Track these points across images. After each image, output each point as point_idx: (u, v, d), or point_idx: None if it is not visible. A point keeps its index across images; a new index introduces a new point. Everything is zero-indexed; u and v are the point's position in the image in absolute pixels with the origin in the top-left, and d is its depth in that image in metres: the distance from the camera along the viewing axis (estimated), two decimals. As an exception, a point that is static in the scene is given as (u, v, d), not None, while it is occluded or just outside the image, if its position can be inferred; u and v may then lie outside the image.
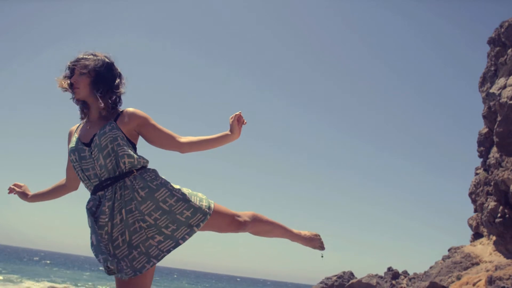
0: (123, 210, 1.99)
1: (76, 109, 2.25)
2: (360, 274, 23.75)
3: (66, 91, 2.12)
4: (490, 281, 14.20)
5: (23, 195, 2.41)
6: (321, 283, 23.55)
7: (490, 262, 17.94)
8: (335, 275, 23.55)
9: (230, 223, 2.24)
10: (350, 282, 22.03)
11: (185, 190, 2.14)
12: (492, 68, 20.77)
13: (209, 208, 2.12)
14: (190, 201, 2.08)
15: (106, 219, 1.98)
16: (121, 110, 2.13)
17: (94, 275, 36.82)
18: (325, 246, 2.71)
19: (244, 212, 2.36)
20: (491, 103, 18.56)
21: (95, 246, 1.92)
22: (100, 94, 2.07)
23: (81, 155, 2.06)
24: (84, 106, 2.16)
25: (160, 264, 2.16)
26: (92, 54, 2.13)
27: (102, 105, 2.07)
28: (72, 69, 2.11)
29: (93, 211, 2.01)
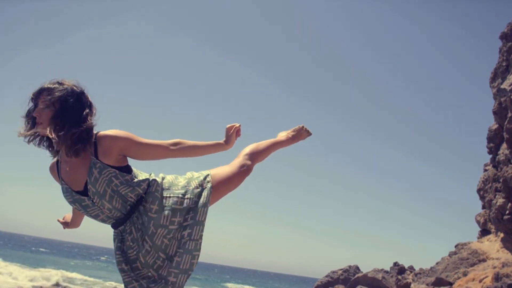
0: (146, 237, 1.92)
1: None
2: (366, 268, 23.80)
3: (27, 134, 1.86)
4: (497, 278, 14.13)
5: (67, 225, 2.40)
6: (326, 276, 23.61)
7: (497, 259, 17.86)
8: (341, 269, 23.58)
9: (239, 178, 2.22)
10: (355, 276, 22.05)
11: (181, 178, 2.13)
12: (504, 64, 20.52)
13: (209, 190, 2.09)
14: (195, 197, 2.07)
15: (135, 252, 1.94)
16: (94, 138, 1.88)
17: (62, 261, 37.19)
18: (311, 131, 2.67)
19: (241, 154, 2.31)
20: (502, 99, 18.36)
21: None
22: (62, 131, 1.80)
23: (82, 205, 1.93)
24: (50, 143, 1.93)
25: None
26: (57, 83, 1.88)
27: (62, 146, 1.82)
28: (35, 102, 1.86)
29: (121, 248, 1.98)
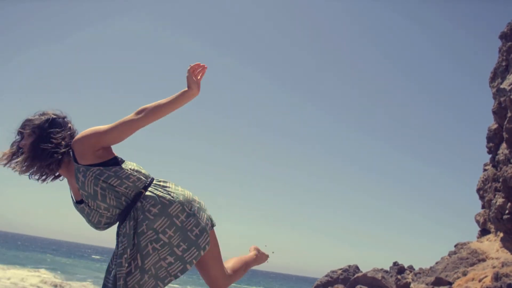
0: (135, 234, 1.95)
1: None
2: (365, 268, 23.80)
3: (8, 162, 2.03)
4: (496, 277, 14.14)
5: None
6: (326, 276, 23.61)
7: (496, 258, 17.86)
8: (341, 269, 23.59)
9: (219, 272, 2.19)
10: (355, 276, 22.05)
11: (196, 198, 2.13)
12: (504, 64, 20.52)
13: (210, 226, 2.10)
14: (198, 216, 2.05)
15: (123, 247, 1.93)
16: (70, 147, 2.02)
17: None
18: (268, 254, 2.69)
19: (227, 263, 2.30)
20: (502, 99, 18.37)
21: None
22: (40, 151, 1.97)
23: (85, 214, 2.03)
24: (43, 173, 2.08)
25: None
26: (39, 114, 2.05)
27: (41, 165, 2.00)
28: (21, 135, 2.04)
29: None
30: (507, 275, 13.97)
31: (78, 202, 2.04)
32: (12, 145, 2.06)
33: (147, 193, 2.00)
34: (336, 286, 22.17)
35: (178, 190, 2.08)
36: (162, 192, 2.01)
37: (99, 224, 2.02)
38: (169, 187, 2.06)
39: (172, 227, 1.96)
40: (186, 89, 2.06)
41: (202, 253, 2.00)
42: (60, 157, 1.99)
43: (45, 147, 1.96)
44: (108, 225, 2.04)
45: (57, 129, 2.01)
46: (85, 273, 27.01)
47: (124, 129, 1.98)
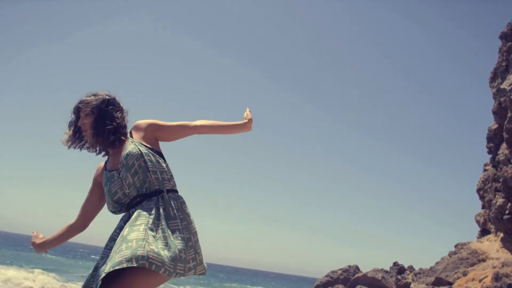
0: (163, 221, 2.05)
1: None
2: (365, 268, 23.80)
3: (72, 143, 2.25)
4: (497, 277, 14.14)
5: (39, 247, 2.37)
6: (326, 276, 23.61)
7: (497, 259, 17.86)
8: (341, 269, 23.58)
9: None
10: (355, 276, 22.05)
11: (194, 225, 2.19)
12: (504, 64, 20.52)
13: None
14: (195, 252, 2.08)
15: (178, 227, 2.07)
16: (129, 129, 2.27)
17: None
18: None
19: None
20: (502, 99, 18.37)
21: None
22: (100, 130, 2.17)
23: (110, 181, 2.14)
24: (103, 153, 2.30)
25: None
26: (93, 95, 2.24)
27: (110, 143, 2.19)
28: (77, 113, 2.24)
29: (121, 226, 2.09)
30: (507, 275, 13.96)
31: (109, 171, 2.18)
32: (69, 125, 2.26)
33: (167, 197, 2.11)
34: (336, 286, 22.16)
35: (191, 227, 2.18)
36: (179, 206, 2.14)
37: (115, 196, 2.11)
38: (186, 209, 2.18)
39: (181, 233, 2.04)
40: (243, 122, 2.38)
41: (185, 274, 2.02)
42: (122, 136, 2.20)
43: (109, 126, 2.17)
44: (118, 203, 2.13)
45: (115, 108, 2.24)
46: (85, 273, 27.00)
47: (180, 133, 2.27)
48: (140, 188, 2.09)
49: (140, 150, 2.12)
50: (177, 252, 1.95)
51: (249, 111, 2.44)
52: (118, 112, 2.24)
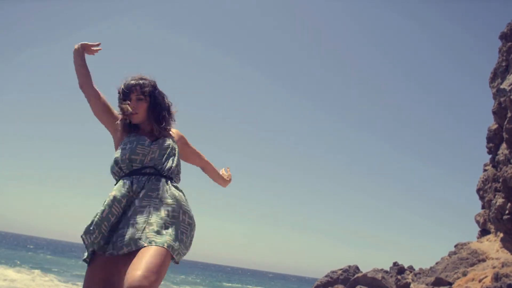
0: (143, 191, 2.10)
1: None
2: (365, 268, 23.80)
3: (124, 116, 2.28)
4: (496, 277, 14.13)
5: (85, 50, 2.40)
6: (326, 276, 23.60)
7: (496, 259, 17.86)
8: (341, 269, 23.57)
9: None
10: (355, 276, 22.05)
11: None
12: (503, 64, 20.52)
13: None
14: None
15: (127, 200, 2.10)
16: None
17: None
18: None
19: None
20: (502, 99, 18.36)
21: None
22: (159, 118, 2.28)
23: (139, 142, 2.20)
24: (131, 126, 2.31)
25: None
26: (142, 79, 2.29)
27: (161, 129, 2.28)
28: (126, 95, 2.25)
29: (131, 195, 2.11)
30: (507, 275, 13.96)
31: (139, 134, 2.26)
32: (122, 100, 2.25)
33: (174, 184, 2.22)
34: (336, 286, 22.17)
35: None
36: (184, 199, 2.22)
37: (133, 154, 2.16)
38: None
39: (176, 212, 2.10)
40: (227, 179, 2.78)
41: (182, 256, 2.07)
42: (169, 126, 2.33)
43: (164, 113, 2.29)
44: (129, 162, 2.15)
45: (163, 95, 2.34)
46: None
47: (197, 159, 2.56)
48: (157, 165, 2.17)
49: (176, 147, 2.29)
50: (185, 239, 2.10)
51: (228, 171, 2.80)
52: (165, 98, 2.34)
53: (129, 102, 2.23)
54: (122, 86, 2.26)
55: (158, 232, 1.96)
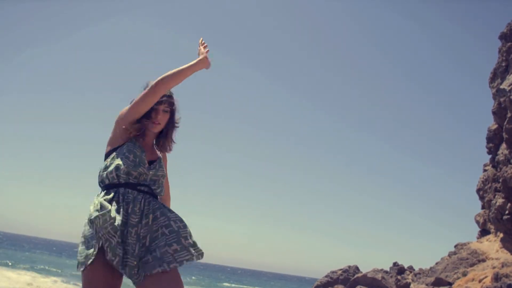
0: (151, 216, 2.14)
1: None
2: (365, 268, 23.75)
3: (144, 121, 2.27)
4: (496, 278, 14.14)
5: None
6: (326, 276, 23.60)
7: (496, 259, 17.86)
8: (341, 269, 23.58)
9: None
10: (355, 276, 22.05)
11: None
12: (503, 64, 20.53)
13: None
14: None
15: (137, 219, 2.12)
16: None
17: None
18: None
19: None
20: (501, 99, 18.37)
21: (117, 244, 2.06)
22: (172, 133, 2.38)
23: (142, 161, 2.25)
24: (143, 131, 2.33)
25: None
26: (171, 92, 2.34)
27: (170, 148, 2.41)
28: (159, 103, 2.26)
29: (126, 208, 2.14)
30: (507, 276, 13.96)
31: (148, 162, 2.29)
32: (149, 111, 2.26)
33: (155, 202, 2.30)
34: (336, 286, 22.16)
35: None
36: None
37: (133, 169, 2.19)
38: None
39: (182, 222, 2.19)
40: (197, 60, 2.30)
41: (196, 259, 2.17)
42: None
43: (174, 130, 2.40)
44: (127, 173, 2.18)
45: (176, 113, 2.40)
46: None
47: (140, 106, 2.27)
48: (153, 185, 2.24)
49: (165, 171, 2.35)
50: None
51: (202, 44, 2.39)
52: (179, 117, 2.41)
53: (163, 109, 2.29)
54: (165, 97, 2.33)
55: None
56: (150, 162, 2.28)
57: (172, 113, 2.34)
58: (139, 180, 2.20)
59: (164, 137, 2.36)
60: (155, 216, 2.14)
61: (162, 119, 2.30)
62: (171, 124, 2.35)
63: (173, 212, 2.22)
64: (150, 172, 2.24)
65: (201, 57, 2.31)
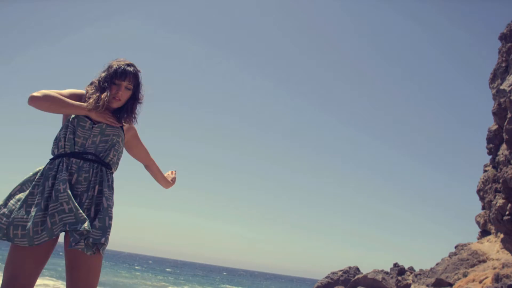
0: (96, 187, 2.10)
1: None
2: (366, 269, 23.78)
3: (103, 103, 2.19)
4: (497, 278, 14.12)
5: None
6: (326, 277, 23.59)
7: (497, 259, 17.85)
8: (341, 270, 23.56)
9: None
10: (355, 277, 22.03)
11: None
12: (503, 65, 20.54)
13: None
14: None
15: (82, 189, 2.07)
16: None
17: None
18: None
19: None
20: (502, 100, 18.37)
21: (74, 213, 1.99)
22: (135, 108, 2.30)
23: (80, 124, 2.15)
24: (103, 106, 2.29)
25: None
26: (133, 66, 2.28)
27: (134, 121, 2.33)
28: (121, 78, 2.22)
29: (70, 180, 2.06)
30: (507, 276, 13.94)
31: (89, 119, 2.19)
32: (105, 84, 2.20)
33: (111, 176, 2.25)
34: (336, 287, 22.15)
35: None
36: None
37: (76, 137, 2.13)
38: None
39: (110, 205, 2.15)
40: (171, 183, 2.70)
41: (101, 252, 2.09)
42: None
43: (138, 106, 2.33)
44: (71, 143, 2.12)
45: (141, 87, 2.34)
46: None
47: (143, 154, 2.53)
48: (98, 153, 2.15)
49: (121, 136, 2.26)
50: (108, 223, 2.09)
51: (173, 173, 2.74)
52: (142, 93, 2.34)
53: (123, 84, 2.22)
54: (116, 66, 2.24)
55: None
56: (94, 122, 2.19)
57: (135, 88, 2.27)
58: (86, 148, 2.13)
59: (126, 112, 2.27)
60: (100, 190, 2.12)
61: (123, 95, 2.23)
62: (133, 99, 2.28)
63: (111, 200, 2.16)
64: (95, 131, 2.15)
65: (171, 182, 2.70)
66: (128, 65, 2.25)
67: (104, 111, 2.20)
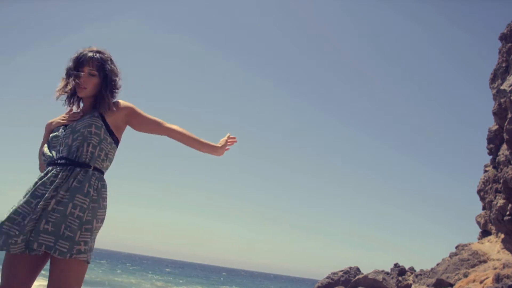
0: (59, 190, 1.99)
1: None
2: (366, 270, 23.74)
3: (65, 92, 2.14)
4: (498, 279, 14.10)
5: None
6: (327, 278, 23.56)
7: (498, 260, 17.84)
8: (341, 271, 23.54)
9: None
10: (356, 278, 22.01)
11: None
12: (504, 65, 20.53)
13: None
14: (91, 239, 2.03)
15: (43, 192, 1.99)
16: None
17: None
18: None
19: None
20: (502, 100, 18.35)
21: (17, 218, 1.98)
22: (107, 94, 2.14)
23: (55, 135, 2.14)
24: (75, 99, 2.22)
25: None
26: (98, 52, 2.15)
27: (109, 106, 2.15)
28: (80, 65, 2.12)
29: (36, 182, 2.04)
30: (508, 277, 13.92)
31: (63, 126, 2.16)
32: (68, 74, 2.13)
33: (96, 173, 2.09)
34: (336, 288, 22.13)
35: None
36: (95, 186, 2.08)
37: (51, 150, 2.11)
38: (104, 194, 2.15)
39: (75, 211, 1.97)
40: (217, 146, 2.39)
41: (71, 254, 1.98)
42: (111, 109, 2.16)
43: (113, 92, 2.17)
44: (50, 157, 2.09)
45: (116, 72, 2.21)
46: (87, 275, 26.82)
47: (152, 126, 2.25)
48: (71, 154, 2.05)
49: (94, 121, 2.09)
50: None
51: (228, 138, 2.50)
52: (118, 78, 2.20)
53: (82, 74, 2.11)
54: (76, 55, 2.14)
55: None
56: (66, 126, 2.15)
57: (104, 74, 2.14)
58: (60, 152, 2.09)
59: (99, 100, 2.14)
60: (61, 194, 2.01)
61: (87, 82, 2.11)
62: (104, 86, 2.14)
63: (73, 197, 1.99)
64: (67, 132, 2.10)
65: (221, 145, 2.42)
66: (91, 51, 2.14)
67: (77, 107, 2.21)
